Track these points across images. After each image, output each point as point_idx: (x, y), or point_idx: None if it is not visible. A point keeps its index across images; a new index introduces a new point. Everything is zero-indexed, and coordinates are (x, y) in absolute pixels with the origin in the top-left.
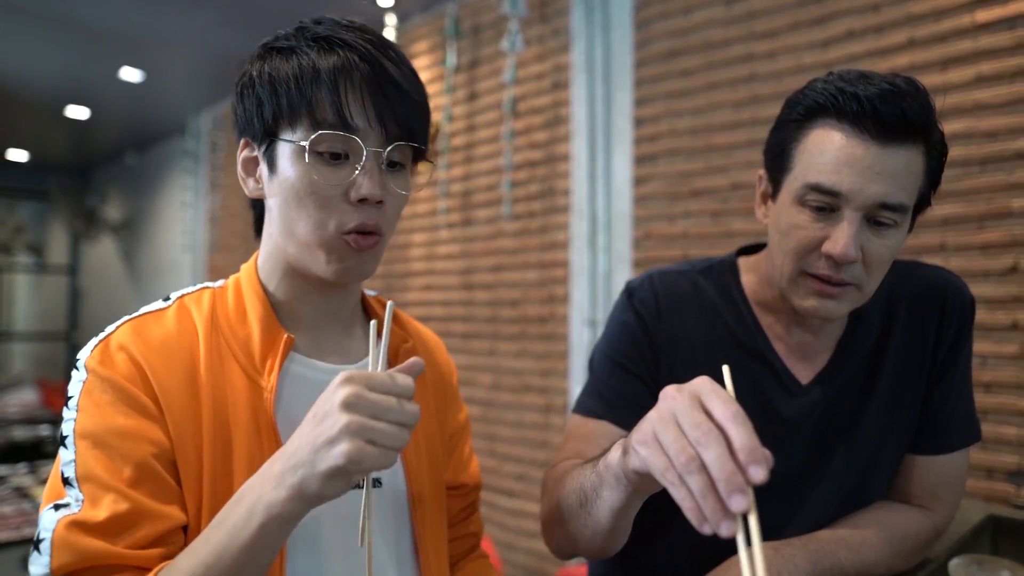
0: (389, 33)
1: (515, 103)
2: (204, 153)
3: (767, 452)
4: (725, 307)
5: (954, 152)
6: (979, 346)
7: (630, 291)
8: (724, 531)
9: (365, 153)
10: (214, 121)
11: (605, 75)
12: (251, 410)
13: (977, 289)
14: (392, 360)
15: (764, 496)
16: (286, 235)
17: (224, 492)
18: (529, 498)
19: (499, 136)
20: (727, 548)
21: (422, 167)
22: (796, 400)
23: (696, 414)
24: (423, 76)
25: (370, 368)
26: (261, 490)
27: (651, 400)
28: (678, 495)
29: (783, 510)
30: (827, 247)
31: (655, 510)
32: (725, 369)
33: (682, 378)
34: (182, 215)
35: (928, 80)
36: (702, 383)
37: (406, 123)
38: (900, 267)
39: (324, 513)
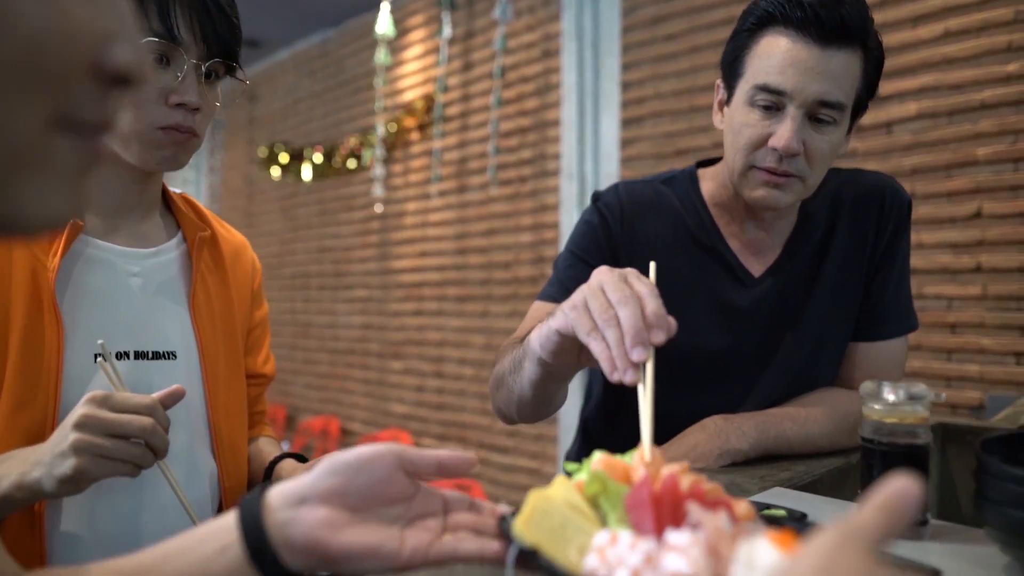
0: (384, 8)
1: (505, 72)
2: (207, 132)
3: (672, 321)
4: (685, 211)
5: (923, 104)
6: (945, 288)
7: (596, 196)
8: (629, 378)
9: (187, 64)
10: None
11: (594, 41)
12: (33, 287)
13: (943, 234)
14: (191, 245)
15: (719, 379)
16: None
17: None
18: (521, 454)
19: (491, 105)
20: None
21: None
22: (749, 291)
23: (621, 285)
24: (418, 49)
25: (114, 390)
26: (19, 465)
27: None
28: (596, 348)
29: (736, 392)
30: (773, 141)
31: (615, 407)
32: (652, 265)
33: (643, 274)
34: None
35: (898, 36)
36: (629, 269)
37: (225, 41)
38: (844, 173)
39: None
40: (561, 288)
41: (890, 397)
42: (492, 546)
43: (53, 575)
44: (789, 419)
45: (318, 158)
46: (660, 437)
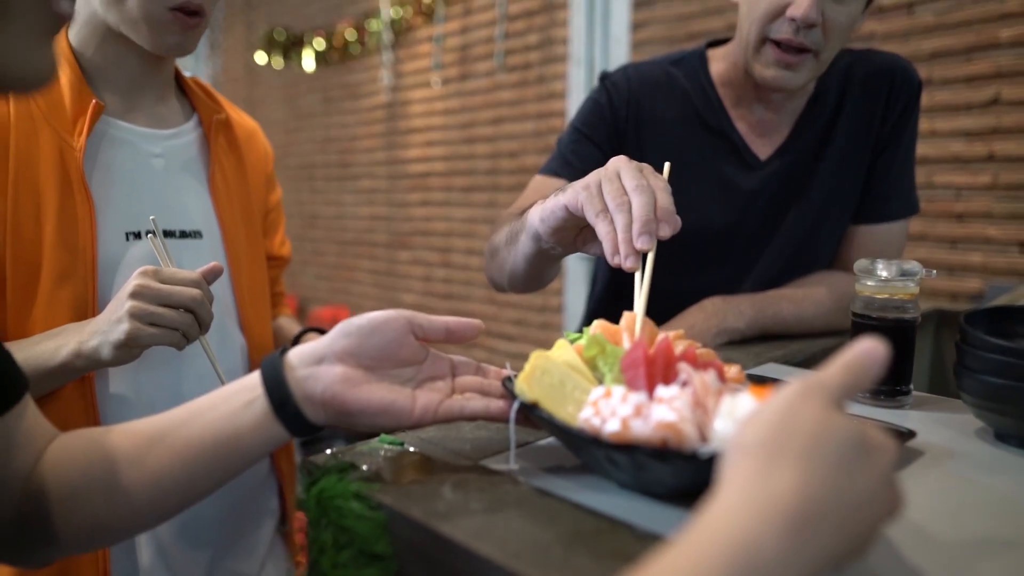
0: None
1: None
2: None
3: (679, 220)
4: (693, 91)
5: None
6: (955, 177)
7: (604, 76)
8: (629, 263)
9: None
10: None
11: None
12: (62, 167)
13: (959, 122)
14: (207, 128)
15: (721, 258)
16: (110, 3)
17: (30, 239)
18: (527, 341)
19: None
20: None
21: None
22: (755, 174)
23: (637, 175)
24: None
25: (162, 265)
26: (76, 335)
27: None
28: (603, 230)
29: (737, 271)
30: (791, 11)
31: (619, 297)
32: (666, 165)
33: (651, 155)
34: None
35: None
36: (646, 165)
37: None
38: (856, 53)
39: None
40: (563, 163)
41: (883, 273)
42: (497, 404)
43: (81, 435)
44: (786, 300)
45: (320, 43)
46: (661, 316)
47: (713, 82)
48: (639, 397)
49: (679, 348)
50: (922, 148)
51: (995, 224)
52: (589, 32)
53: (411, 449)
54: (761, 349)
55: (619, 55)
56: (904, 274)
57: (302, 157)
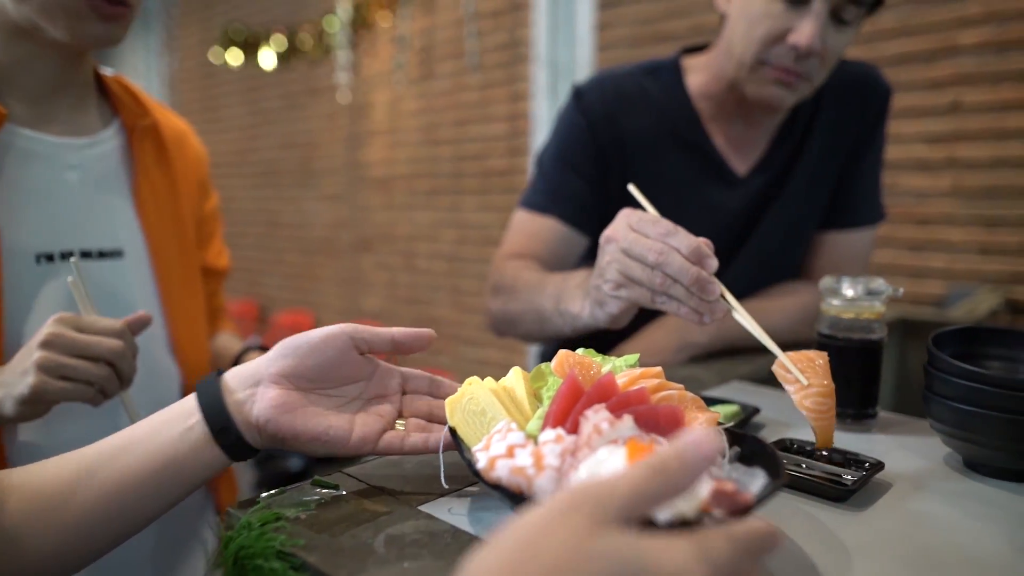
0: None
1: None
2: (155, 8)
3: (706, 241)
4: (669, 106)
5: None
6: (917, 181)
7: (579, 94)
8: (718, 315)
9: None
10: None
11: None
12: None
13: (921, 126)
14: (130, 135)
15: None
16: None
17: None
18: (493, 347)
19: None
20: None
21: None
22: (734, 191)
23: (644, 242)
24: None
25: (81, 311)
26: None
27: (593, 200)
28: (672, 309)
29: None
30: (793, 38)
31: None
32: (631, 187)
33: (630, 176)
34: (133, 80)
35: None
36: (625, 216)
37: None
38: None
39: None
40: (553, 197)
41: (848, 292)
42: (436, 437)
43: (9, 473)
44: (752, 311)
45: (280, 42)
46: (625, 333)
47: (690, 95)
48: (516, 437)
49: (640, 385)
50: (887, 152)
51: (956, 228)
52: (553, 33)
53: (345, 493)
54: (725, 366)
55: (583, 56)
56: (870, 293)
57: (263, 158)
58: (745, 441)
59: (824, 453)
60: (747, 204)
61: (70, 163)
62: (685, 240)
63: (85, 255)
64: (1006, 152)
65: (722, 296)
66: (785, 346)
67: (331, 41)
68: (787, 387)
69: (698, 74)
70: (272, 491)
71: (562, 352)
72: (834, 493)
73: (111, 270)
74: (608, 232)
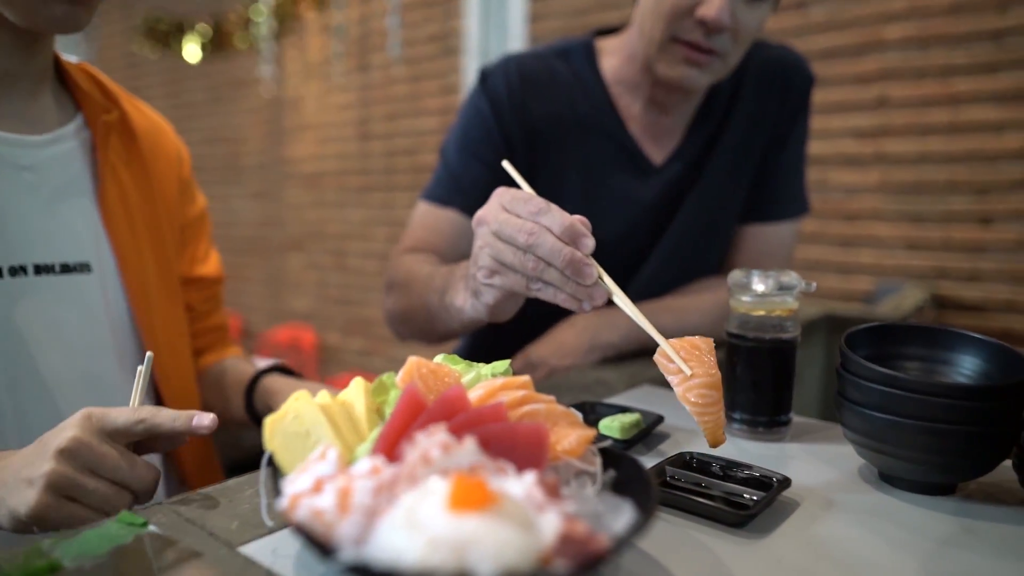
0: None
1: None
2: None
3: (581, 219)
4: (581, 90)
5: None
6: (846, 177)
7: (484, 76)
8: (598, 302)
9: None
10: None
11: None
12: None
13: (849, 121)
14: (95, 132)
15: (605, 266)
16: None
17: None
18: (427, 349)
19: None
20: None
21: None
22: (650, 181)
23: (515, 223)
24: None
25: (132, 401)
26: None
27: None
28: (548, 296)
29: (620, 278)
30: (702, 11)
31: None
32: (505, 163)
33: (540, 162)
34: None
35: None
36: (498, 196)
37: None
38: (749, 47)
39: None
40: (451, 188)
41: (759, 287)
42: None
43: None
44: (667, 310)
45: (205, 32)
46: (533, 334)
47: (603, 79)
48: (325, 468)
49: (508, 397)
50: (816, 147)
51: (884, 224)
52: (484, 24)
53: (154, 529)
54: (637, 368)
55: (516, 48)
56: (782, 288)
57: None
58: (622, 464)
59: (726, 471)
60: (663, 195)
61: (23, 164)
62: (558, 218)
63: (44, 269)
64: (929, 147)
65: (601, 279)
66: None
67: (257, 32)
68: (670, 379)
69: (612, 57)
70: (55, 537)
71: (412, 360)
72: (732, 519)
73: (76, 287)
74: (480, 213)
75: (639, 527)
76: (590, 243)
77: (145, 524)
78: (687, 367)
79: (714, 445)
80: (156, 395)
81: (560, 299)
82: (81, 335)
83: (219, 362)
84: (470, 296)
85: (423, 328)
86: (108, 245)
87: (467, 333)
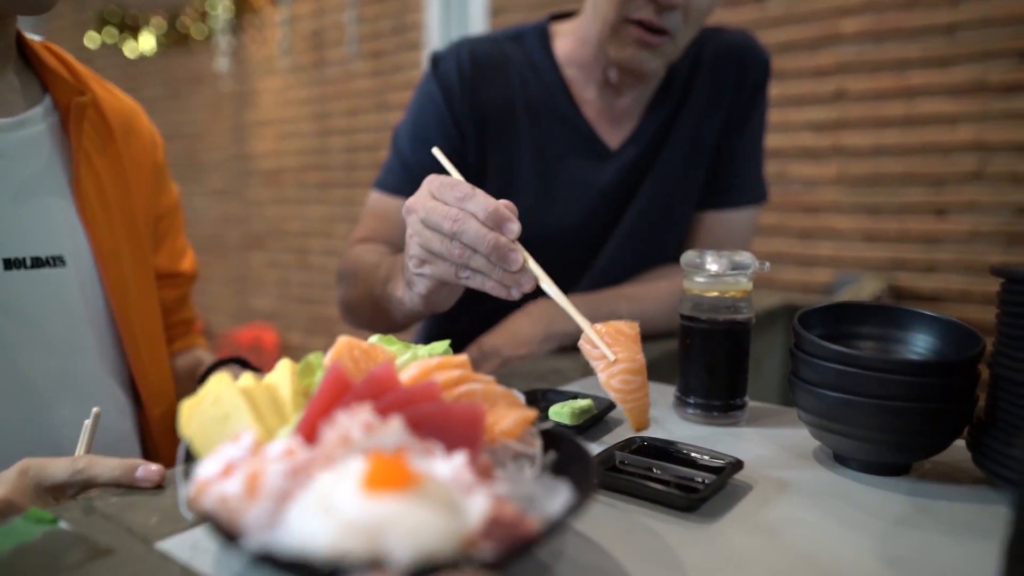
0: None
1: None
2: None
3: (507, 203)
4: (534, 74)
5: None
6: (805, 170)
7: (435, 61)
8: (526, 288)
9: None
10: None
11: None
12: None
13: (806, 115)
14: (65, 115)
15: (563, 257)
16: None
17: None
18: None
19: None
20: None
21: None
22: (606, 166)
23: (441, 210)
24: None
25: (77, 451)
26: None
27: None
28: (477, 283)
29: (577, 269)
30: None
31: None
32: (435, 151)
33: (493, 148)
34: None
35: None
36: (427, 183)
37: None
38: (705, 30)
39: None
40: (403, 177)
41: (712, 267)
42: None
43: None
44: (624, 298)
45: (160, 25)
46: (488, 324)
47: (558, 63)
48: (235, 451)
49: (443, 377)
50: (775, 140)
51: (842, 216)
52: (445, 18)
53: (64, 526)
54: None
55: None
56: (735, 268)
57: None
58: (563, 445)
59: (677, 455)
60: (620, 179)
61: None
62: (482, 203)
63: (14, 264)
64: (886, 140)
65: (527, 264)
66: (661, 336)
67: (214, 24)
68: (594, 364)
69: (566, 40)
70: None
71: (343, 339)
72: (682, 503)
73: (50, 281)
74: (409, 202)
75: (573, 509)
76: (515, 227)
77: (55, 520)
78: (611, 352)
79: (639, 430)
80: (134, 393)
81: (488, 287)
82: (58, 333)
83: (186, 352)
84: (406, 287)
85: (371, 319)
86: (84, 237)
87: (411, 324)
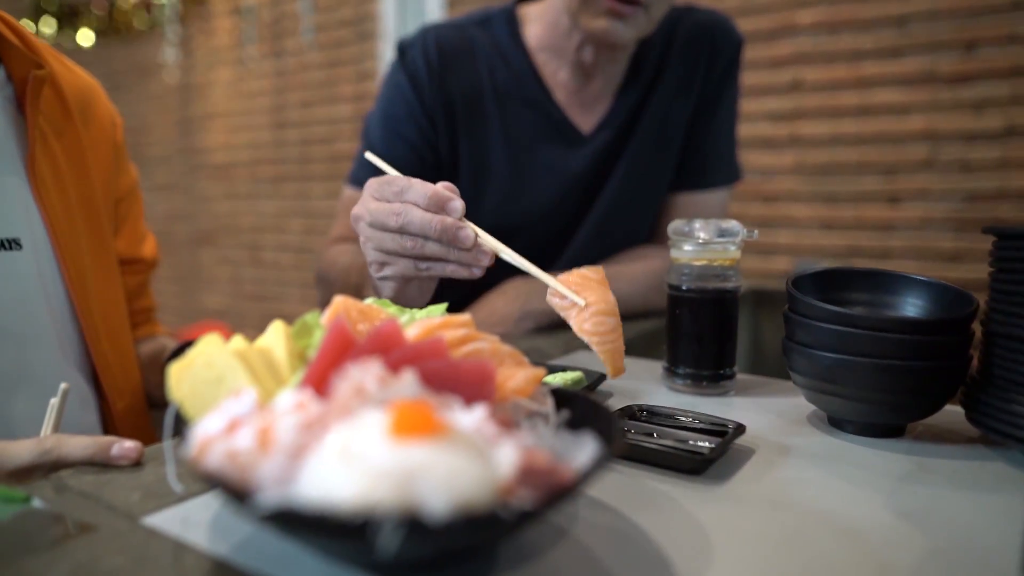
0: None
1: None
2: None
3: (445, 184)
4: (503, 59)
5: None
6: (762, 159)
7: (402, 50)
8: (485, 262)
9: None
10: None
11: None
12: None
13: (764, 105)
14: (20, 90)
15: (536, 240)
16: None
17: None
18: None
19: None
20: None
21: None
22: (579, 151)
23: (383, 208)
24: None
25: (43, 432)
26: None
27: (421, 168)
28: (439, 271)
29: (551, 250)
30: None
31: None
32: (368, 155)
33: (464, 136)
34: None
35: None
36: (367, 188)
37: None
38: (677, 9)
39: None
40: (374, 170)
41: (701, 234)
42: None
43: None
44: None
45: (100, 13)
46: (462, 304)
47: (527, 47)
48: (242, 406)
49: (448, 335)
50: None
51: (800, 204)
52: (401, 8)
53: (38, 504)
54: (571, 335)
55: None
56: (723, 234)
57: None
58: (575, 403)
59: (677, 420)
60: (593, 164)
61: None
62: (420, 191)
63: None
64: (841, 129)
65: (479, 239)
66: (636, 316)
67: (159, 14)
68: (565, 315)
69: (535, 23)
70: None
71: (339, 298)
72: (689, 465)
73: (5, 265)
74: (355, 210)
75: (607, 454)
76: (458, 205)
77: (28, 499)
78: (580, 299)
79: (616, 375)
80: (96, 384)
81: (449, 270)
82: (15, 320)
83: (148, 339)
84: (375, 293)
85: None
86: (40, 219)
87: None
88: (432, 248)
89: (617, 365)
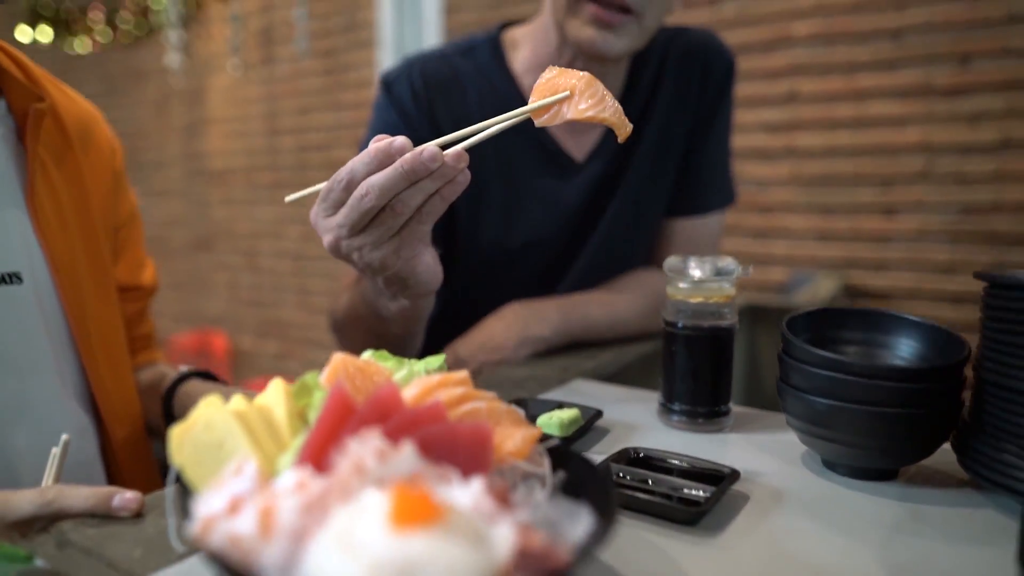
0: None
1: None
2: None
3: (377, 138)
4: (490, 88)
5: None
6: (758, 170)
7: (387, 84)
8: (462, 164)
9: None
10: None
11: None
12: None
13: (760, 116)
14: (21, 122)
15: (534, 268)
16: None
17: None
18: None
19: None
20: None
21: None
22: (573, 180)
23: (342, 211)
24: None
25: (44, 482)
26: None
27: None
28: (436, 209)
29: (550, 278)
30: None
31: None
32: (288, 198)
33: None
34: None
35: None
36: (311, 217)
37: None
38: (669, 30)
39: None
40: None
41: (696, 273)
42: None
43: None
44: (596, 303)
45: (97, 19)
46: (460, 329)
47: (513, 74)
48: (242, 484)
49: (446, 395)
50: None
51: (796, 215)
52: (398, 16)
53: (40, 564)
54: (569, 361)
55: (431, 40)
56: (719, 273)
57: None
58: (572, 462)
59: (672, 465)
60: (588, 193)
61: None
62: (364, 160)
63: None
64: (836, 141)
65: (441, 148)
66: (633, 339)
67: (157, 19)
68: (561, 118)
69: (523, 47)
70: None
71: (338, 356)
72: (684, 516)
73: (7, 300)
74: (324, 242)
75: (601, 534)
76: (399, 141)
77: (30, 558)
78: (561, 92)
79: (625, 136)
80: (96, 414)
81: (441, 203)
82: (16, 353)
83: (146, 367)
84: (390, 299)
85: (375, 343)
86: (40, 252)
87: (413, 329)
88: (412, 196)
89: (624, 124)
